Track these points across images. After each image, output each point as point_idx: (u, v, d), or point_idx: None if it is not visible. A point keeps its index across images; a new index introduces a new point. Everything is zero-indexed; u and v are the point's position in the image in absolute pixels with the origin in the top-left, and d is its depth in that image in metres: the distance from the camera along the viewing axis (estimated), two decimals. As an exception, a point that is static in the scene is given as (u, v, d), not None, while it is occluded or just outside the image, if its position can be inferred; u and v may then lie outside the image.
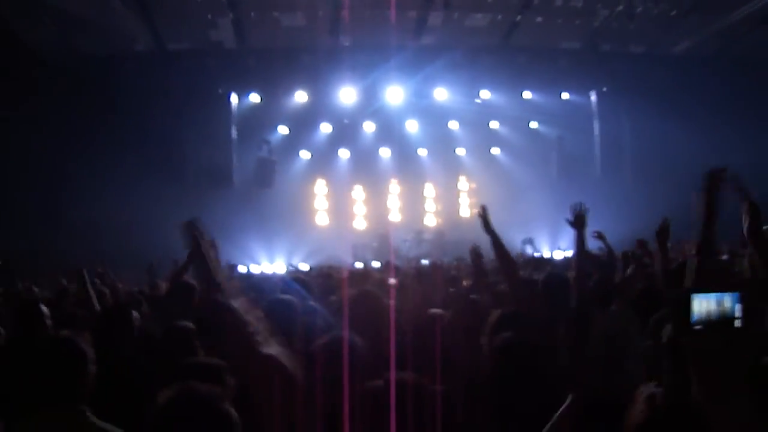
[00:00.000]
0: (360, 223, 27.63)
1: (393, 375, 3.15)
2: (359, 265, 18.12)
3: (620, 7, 21.63)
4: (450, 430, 3.16)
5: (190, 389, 2.70)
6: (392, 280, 7.86)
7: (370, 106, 25.05)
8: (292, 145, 26.38)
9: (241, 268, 18.55)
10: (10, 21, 19.46)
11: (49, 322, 6.05)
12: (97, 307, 7.10)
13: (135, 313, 5.58)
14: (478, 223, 6.39)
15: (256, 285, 7.63)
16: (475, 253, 7.01)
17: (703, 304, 2.94)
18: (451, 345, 4.93)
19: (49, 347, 3.91)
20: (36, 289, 9.95)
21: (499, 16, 22.39)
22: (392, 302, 5.45)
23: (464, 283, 9.25)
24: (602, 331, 4.77)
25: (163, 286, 9.01)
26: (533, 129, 26.96)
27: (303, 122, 25.59)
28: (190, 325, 5.44)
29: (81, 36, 21.17)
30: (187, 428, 2.62)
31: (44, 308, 6.09)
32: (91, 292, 7.40)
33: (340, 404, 3.51)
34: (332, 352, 3.89)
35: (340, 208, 27.28)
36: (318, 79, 23.30)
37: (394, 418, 2.88)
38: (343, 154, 27.18)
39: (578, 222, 5.94)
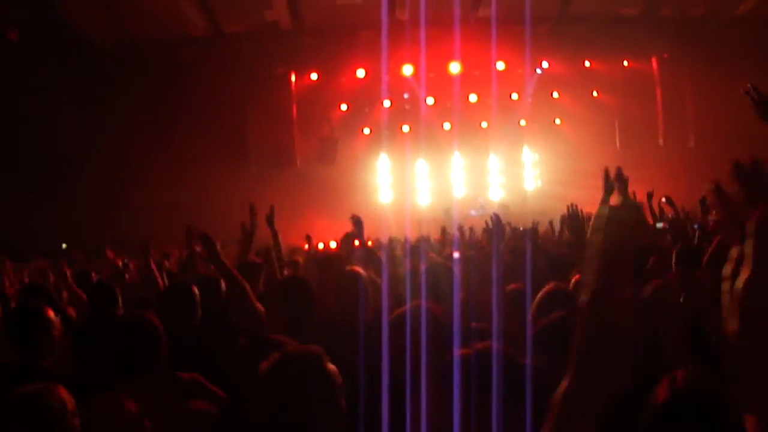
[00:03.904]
0: (424, 197, 27.62)
1: (457, 345, 3.16)
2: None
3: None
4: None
5: (291, 353, 2.78)
6: (456, 254, 7.85)
7: (429, 80, 24.98)
8: (353, 122, 26.47)
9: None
10: (63, 8, 19.74)
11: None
12: (161, 285, 7.27)
13: (197, 290, 5.68)
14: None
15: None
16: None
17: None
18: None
19: (128, 325, 4.09)
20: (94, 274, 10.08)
21: (557, -15, 22.12)
22: (456, 275, 5.47)
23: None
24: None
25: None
26: (595, 98, 26.66)
27: (363, 99, 25.65)
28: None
29: (136, 22, 21.39)
30: (297, 388, 2.72)
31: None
32: (156, 271, 7.58)
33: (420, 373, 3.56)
34: (414, 321, 3.93)
35: (403, 183, 27.31)
36: (377, 55, 23.29)
37: (474, 386, 2.89)
38: (405, 129, 27.15)
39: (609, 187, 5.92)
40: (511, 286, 5.62)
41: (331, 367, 2.80)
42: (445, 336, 3.79)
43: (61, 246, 20.20)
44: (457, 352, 3.02)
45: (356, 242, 7.20)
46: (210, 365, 4.50)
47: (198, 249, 7.08)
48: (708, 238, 7.44)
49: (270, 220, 7.80)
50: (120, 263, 10.10)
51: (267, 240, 8.21)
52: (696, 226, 9.60)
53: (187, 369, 4.24)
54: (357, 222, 6.84)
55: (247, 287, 5.43)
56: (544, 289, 4.94)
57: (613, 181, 5.89)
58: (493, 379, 2.85)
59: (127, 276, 8.87)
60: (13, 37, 19.52)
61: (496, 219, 7.19)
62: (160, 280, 7.48)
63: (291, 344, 3.28)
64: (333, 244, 18.06)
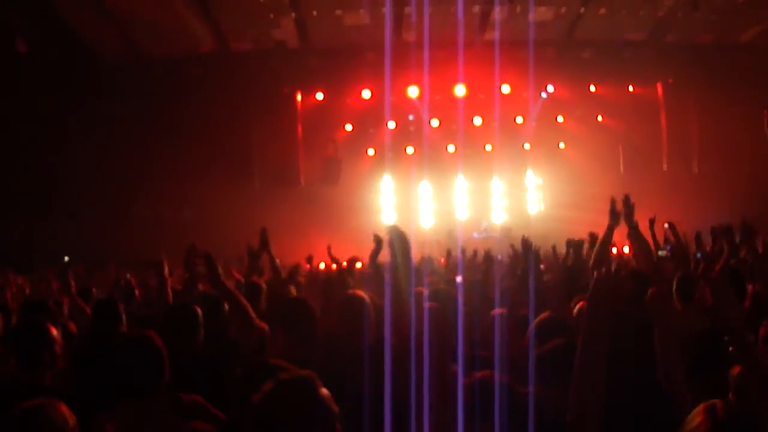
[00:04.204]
0: (427, 219, 27.63)
1: (461, 371, 3.16)
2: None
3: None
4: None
5: (282, 381, 2.81)
6: (459, 278, 7.84)
7: (434, 102, 25.04)
8: (357, 142, 26.54)
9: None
10: (73, 25, 19.82)
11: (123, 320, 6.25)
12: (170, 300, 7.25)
13: (199, 310, 5.66)
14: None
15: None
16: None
17: None
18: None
19: (131, 344, 4.10)
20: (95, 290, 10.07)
21: (563, 9, 22.17)
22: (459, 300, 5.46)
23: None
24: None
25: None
26: (600, 123, 26.71)
27: (368, 120, 25.73)
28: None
29: (144, 38, 21.51)
30: (290, 416, 2.73)
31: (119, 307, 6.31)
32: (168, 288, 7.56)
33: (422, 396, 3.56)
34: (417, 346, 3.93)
35: (406, 204, 27.31)
36: (382, 77, 23.36)
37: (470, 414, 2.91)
38: (409, 150, 27.20)
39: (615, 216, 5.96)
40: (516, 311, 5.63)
41: (324, 392, 2.81)
42: (449, 363, 3.79)
43: (63, 259, 20.22)
44: (461, 380, 3.03)
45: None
46: (212, 386, 4.50)
47: (199, 269, 7.05)
48: (709, 267, 7.40)
49: (265, 243, 7.78)
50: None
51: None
52: (698, 255, 9.56)
53: (189, 389, 4.23)
54: (378, 241, 6.74)
55: (248, 307, 5.43)
56: (540, 317, 4.94)
57: (620, 210, 5.92)
58: (495, 408, 2.87)
59: (136, 293, 8.87)
60: (21, 47, 19.62)
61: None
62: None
63: (287, 370, 3.29)
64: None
